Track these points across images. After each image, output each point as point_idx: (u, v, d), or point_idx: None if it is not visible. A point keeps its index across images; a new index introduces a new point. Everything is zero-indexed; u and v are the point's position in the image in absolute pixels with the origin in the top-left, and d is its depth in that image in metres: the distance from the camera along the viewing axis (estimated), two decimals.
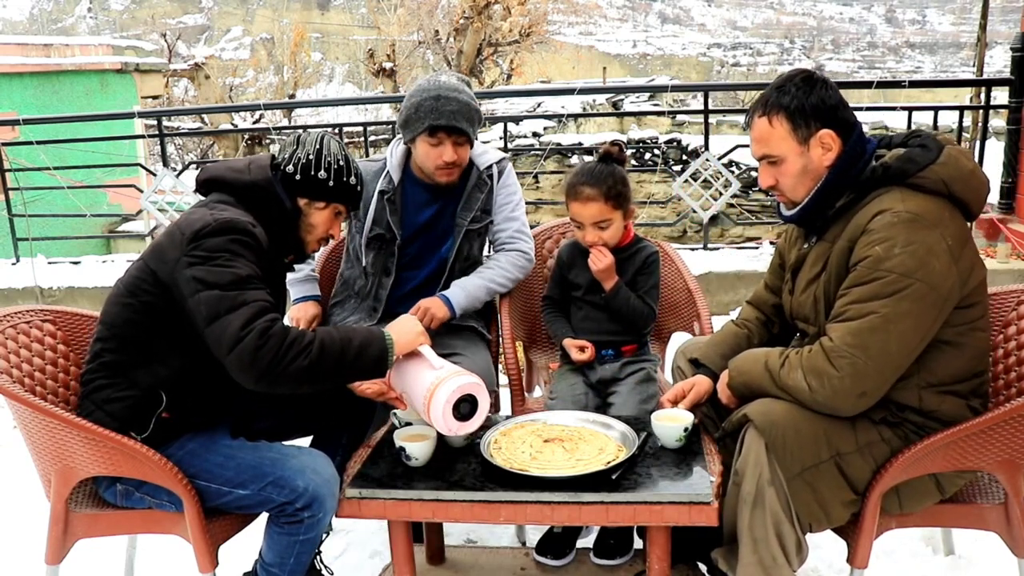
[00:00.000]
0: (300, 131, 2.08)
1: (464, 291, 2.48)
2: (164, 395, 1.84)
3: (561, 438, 1.90)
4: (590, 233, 2.36)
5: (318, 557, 2.19)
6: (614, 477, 1.74)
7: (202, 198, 2.00)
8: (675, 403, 2.04)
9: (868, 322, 1.68)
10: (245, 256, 1.79)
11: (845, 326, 1.71)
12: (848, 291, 1.74)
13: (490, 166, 2.56)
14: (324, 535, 2.19)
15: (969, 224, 1.81)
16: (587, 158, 10.82)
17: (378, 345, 1.79)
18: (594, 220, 2.34)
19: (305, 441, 2.18)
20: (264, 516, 1.91)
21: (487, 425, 2.00)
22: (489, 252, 2.70)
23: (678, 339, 2.64)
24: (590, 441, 1.89)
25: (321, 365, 1.71)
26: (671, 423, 1.89)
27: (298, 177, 1.97)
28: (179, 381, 1.86)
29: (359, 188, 2.05)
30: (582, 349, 2.42)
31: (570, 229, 2.87)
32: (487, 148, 2.60)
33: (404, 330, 1.87)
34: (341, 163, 1.99)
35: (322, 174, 1.97)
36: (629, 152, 10.14)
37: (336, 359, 1.73)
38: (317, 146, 1.98)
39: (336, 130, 5.55)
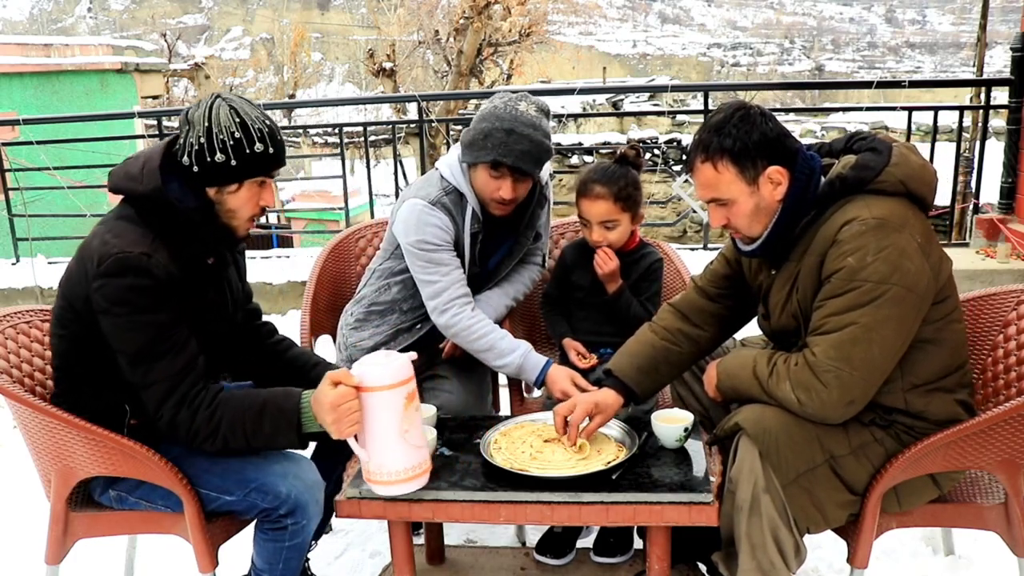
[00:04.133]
0: (191, 108, 1.78)
1: (495, 310, 2.42)
2: (127, 407, 1.82)
3: (561, 438, 1.90)
4: (596, 232, 2.36)
5: (307, 563, 2.18)
6: (614, 477, 1.74)
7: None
8: (577, 425, 1.89)
9: (849, 333, 1.67)
10: (145, 303, 1.69)
11: (827, 339, 1.70)
12: (824, 303, 1.72)
13: (546, 180, 2.45)
14: (313, 542, 2.17)
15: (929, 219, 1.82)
16: (587, 158, 10.80)
17: (286, 439, 1.74)
18: (601, 219, 2.34)
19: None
20: None
21: (487, 425, 2.01)
22: None
23: None
24: (590, 441, 1.89)
25: (229, 450, 1.75)
26: (671, 423, 1.89)
27: (196, 169, 1.75)
28: (136, 395, 1.78)
29: (271, 149, 1.77)
30: (583, 356, 2.41)
31: (571, 230, 2.87)
32: None
33: (327, 422, 1.67)
34: (237, 134, 1.73)
35: (219, 156, 1.73)
36: None
37: (243, 446, 1.74)
38: (206, 124, 1.73)
39: (336, 130, 5.53)
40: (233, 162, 1.73)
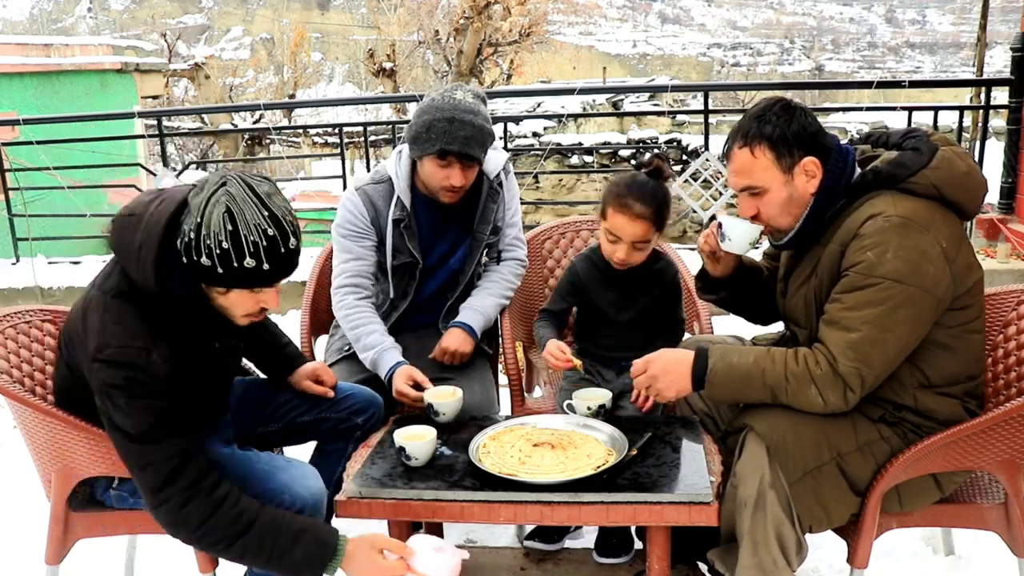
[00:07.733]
0: (199, 184, 1.59)
1: (482, 315, 2.45)
2: None
3: (550, 442, 1.89)
4: (624, 251, 2.18)
5: None
6: (604, 478, 1.73)
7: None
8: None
9: (867, 335, 1.68)
10: (143, 392, 1.59)
11: (844, 338, 1.70)
12: (841, 297, 1.73)
13: (498, 174, 2.47)
14: None
15: (966, 224, 1.81)
16: (587, 158, 10.72)
17: (309, 573, 1.61)
18: (636, 239, 2.17)
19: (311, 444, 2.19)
20: None
21: (482, 425, 2.01)
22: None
23: None
24: (579, 445, 1.87)
25: (234, 559, 1.64)
26: (745, 225, 1.87)
27: (184, 260, 1.57)
28: None
29: (266, 266, 1.56)
30: (562, 352, 2.23)
31: (571, 230, 2.85)
32: (491, 153, 2.43)
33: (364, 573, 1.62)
34: (224, 244, 1.52)
35: (204, 261, 1.54)
36: (629, 152, 10.11)
37: (253, 563, 1.64)
38: (198, 219, 1.53)
39: (336, 130, 5.52)
40: (219, 269, 1.55)
